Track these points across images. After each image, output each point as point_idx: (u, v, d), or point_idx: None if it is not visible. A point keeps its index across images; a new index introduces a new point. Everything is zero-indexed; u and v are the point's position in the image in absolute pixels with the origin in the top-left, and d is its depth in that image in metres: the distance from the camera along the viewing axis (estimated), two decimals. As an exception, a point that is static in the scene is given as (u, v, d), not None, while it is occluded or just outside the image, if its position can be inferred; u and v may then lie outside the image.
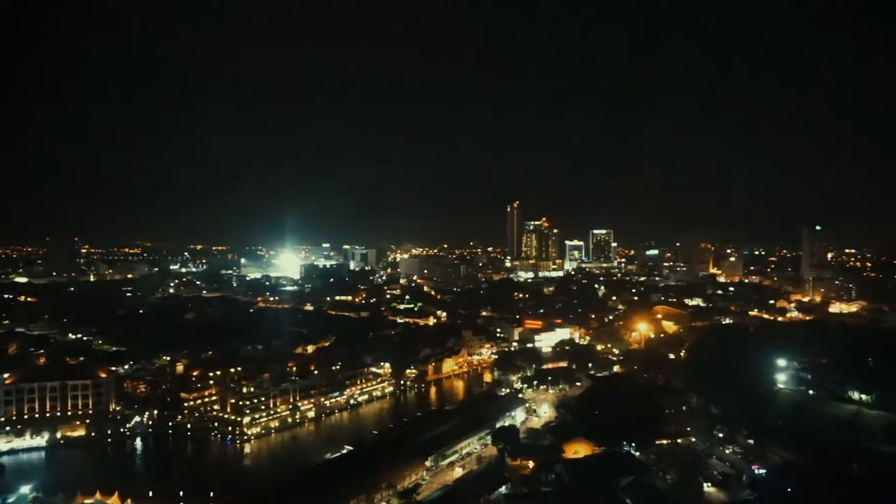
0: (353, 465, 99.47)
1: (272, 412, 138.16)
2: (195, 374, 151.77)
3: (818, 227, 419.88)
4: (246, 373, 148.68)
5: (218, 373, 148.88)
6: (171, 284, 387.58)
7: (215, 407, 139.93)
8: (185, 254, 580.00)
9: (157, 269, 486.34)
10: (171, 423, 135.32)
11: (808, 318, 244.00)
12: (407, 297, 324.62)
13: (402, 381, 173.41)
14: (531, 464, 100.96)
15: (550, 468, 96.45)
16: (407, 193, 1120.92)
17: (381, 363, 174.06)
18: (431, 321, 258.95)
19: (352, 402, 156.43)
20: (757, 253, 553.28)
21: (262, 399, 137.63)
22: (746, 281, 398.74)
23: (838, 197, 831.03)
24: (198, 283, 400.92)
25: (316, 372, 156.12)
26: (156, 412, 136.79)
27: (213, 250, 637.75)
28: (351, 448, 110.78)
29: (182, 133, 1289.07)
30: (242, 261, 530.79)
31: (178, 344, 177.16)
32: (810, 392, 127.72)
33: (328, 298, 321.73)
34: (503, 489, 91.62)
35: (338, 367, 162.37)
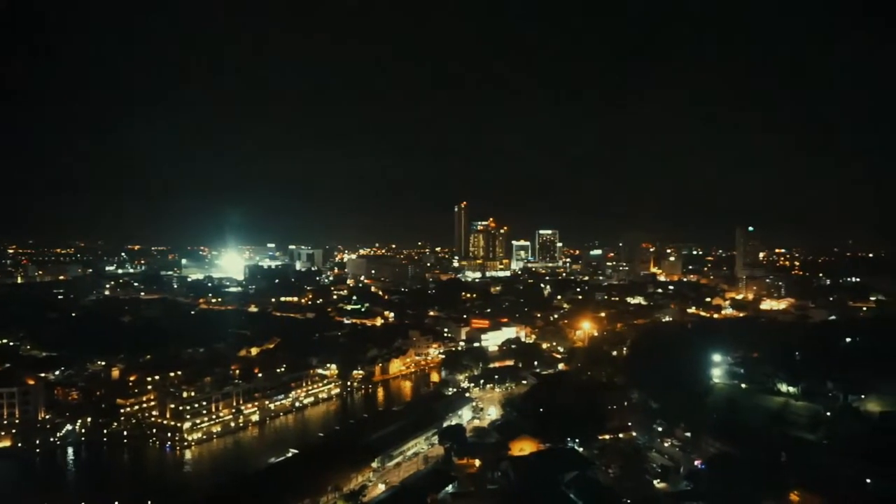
0: (298, 469, 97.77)
1: (214, 417, 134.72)
2: (132, 379, 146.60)
3: (751, 229, 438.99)
4: (186, 377, 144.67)
5: (156, 377, 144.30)
6: (107, 286, 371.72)
7: (154, 413, 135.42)
8: (122, 254, 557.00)
9: (91, 270, 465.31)
10: (105, 431, 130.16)
11: (741, 314, 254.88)
12: (354, 297, 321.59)
13: (348, 383, 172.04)
14: (477, 462, 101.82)
15: (496, 466, 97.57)
16: (355, 193, 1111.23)
17: (328, 365, 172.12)
18: (379, 322, 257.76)
19: (297, 404, 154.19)
20: (695, 253, 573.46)
21: (204, 403, 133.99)
22: (685, 280, 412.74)
23: (770, 199, 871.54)
24: (135, 284, 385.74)
25: (260, 375, 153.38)
26: (89, 420, 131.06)
27: (153, 251, 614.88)
28: (296, 451, 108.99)
29: (118, 130, 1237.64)
30: (184, 261, 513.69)
31: (114, 348, 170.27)
32: (743, 385, 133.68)
33: (273, 300, 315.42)
34: (450, 488, 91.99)
35: (283, 369, 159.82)
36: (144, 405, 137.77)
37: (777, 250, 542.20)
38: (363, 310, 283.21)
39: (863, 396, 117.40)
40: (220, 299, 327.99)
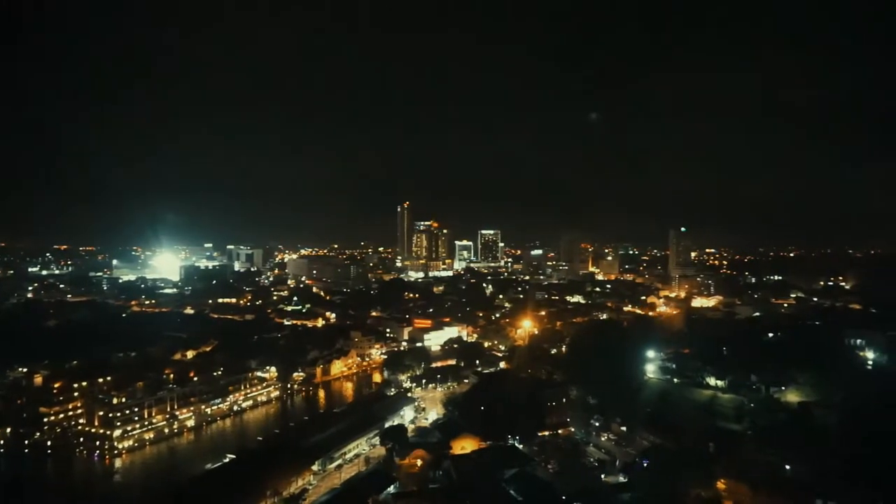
0: (236, 474, 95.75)
1: (147, 423, 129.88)
2: (57, 386, 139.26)
3: (683, 229, 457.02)
4: (116, 382, 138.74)
5: (84, 384, 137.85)
6: (30, 288, 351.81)
7: (81, 421, 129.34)
8: (48, 254, 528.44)
9: (12, 271, 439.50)
10: (27, 442, 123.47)
11: (674, 312, 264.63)
12: (295, 298, 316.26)
13: (288, 385, 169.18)
14: (419, 462, 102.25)
15: (438, 465, 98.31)
16: (297, 193, 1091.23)
17: (267, 367, 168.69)
18: (320, 323, 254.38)
19: (235, 408, 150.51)
20: (631, 252, 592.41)
21: (135, 410, 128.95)
22: (622, 279, 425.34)
23: (701, 200, 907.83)
24: (62, 286, 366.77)
25: (196, 378, 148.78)
26: (9, 430, 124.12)
27: (81, 251, 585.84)
28: (233, 456, 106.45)
29: (44, 126, 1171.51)
30: (114, 262, 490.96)
31: (37, 354, 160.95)
32: (675, 380, 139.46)
33: (210, 301, 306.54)
34: (391, 488, 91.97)
35: (220, 372, 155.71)
36: (70, 413, 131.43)
37: (707, 250, 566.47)
38: (304, 311, 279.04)
39: (783, 388, 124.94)
40: (153, 301, 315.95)
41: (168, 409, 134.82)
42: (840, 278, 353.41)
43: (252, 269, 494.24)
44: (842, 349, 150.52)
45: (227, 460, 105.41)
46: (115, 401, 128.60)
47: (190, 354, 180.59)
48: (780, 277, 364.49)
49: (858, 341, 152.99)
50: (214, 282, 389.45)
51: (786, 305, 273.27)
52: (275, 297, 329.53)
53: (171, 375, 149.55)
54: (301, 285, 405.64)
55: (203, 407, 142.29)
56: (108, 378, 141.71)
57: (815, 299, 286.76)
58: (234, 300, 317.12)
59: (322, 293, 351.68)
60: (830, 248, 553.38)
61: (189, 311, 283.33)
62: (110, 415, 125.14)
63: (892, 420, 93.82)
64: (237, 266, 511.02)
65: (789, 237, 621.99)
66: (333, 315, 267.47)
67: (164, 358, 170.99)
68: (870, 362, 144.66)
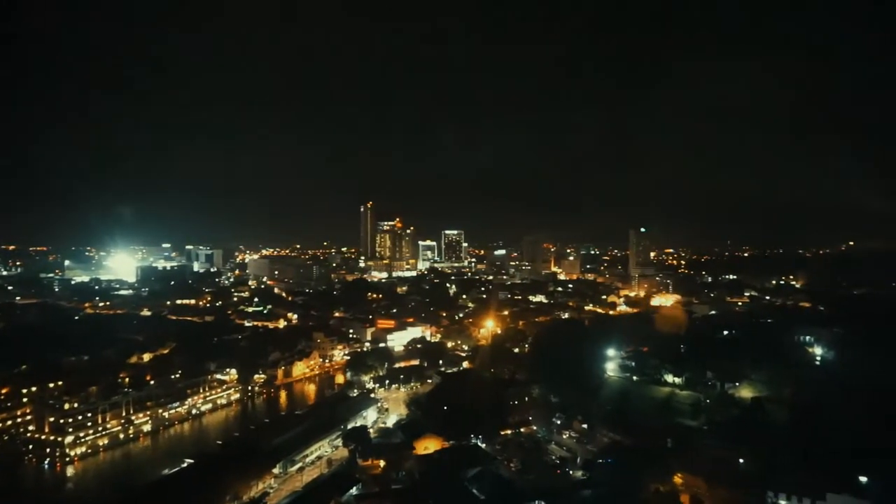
0: (194, 479, 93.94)
1: (100, 429, 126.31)
2: (4, 392, 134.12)
3: (643, 230, 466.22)
4: (68, 387, 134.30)
5: (33, 389, 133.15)
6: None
7: (31, 428, 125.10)
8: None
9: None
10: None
11: (633, 310, 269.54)
12: (256, 299, 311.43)
13: (249, 387, 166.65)
14: (382, 463, 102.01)
15: (401, 466, 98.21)
16: (259, 193, 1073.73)
17: (227, 369, 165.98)
18: (282, 324, 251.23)
19: (194, 411, 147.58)
20: (593, 252, 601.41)
21: (88, 415, 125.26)
22: (583, 278, 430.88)
23: (660, 201, 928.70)
24: (10, 288, 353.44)
25: (153, 382, 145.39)
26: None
27: (31, 251, 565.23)
28: (191, 461, 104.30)
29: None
30: (67, 262, 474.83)
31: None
32: (634, 378, 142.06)
33: (168, 302, 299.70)
34: (354, 490, 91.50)
35: (178, 375, 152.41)
36: (19, 420, 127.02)
37: (666, 250, 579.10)
38: (265, 312, 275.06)
39: (737, 384, 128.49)
40: (108, 303, 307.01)
41: (123, 414, 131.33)
42: (791, 277, 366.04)
43: (212, 270, 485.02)
44: (792, 346, 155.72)
45: (184, 465, 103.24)
46: (66, 406, 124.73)
47: (146, 357, 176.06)
48: (734, 277, 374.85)
49: (807, 338, 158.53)
50: (173, 283, 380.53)
51: (740, 304, 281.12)
52: (235, 298, 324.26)
53: (127, 379, 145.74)
54: (262, 286, 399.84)
55: (160, 411, 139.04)
56: (60, 383, 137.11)
57: (768, 298, 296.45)
58: (193, 301, 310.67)
59: (284, 294, 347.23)
60: (782, 249, 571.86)
61: (146, 312, 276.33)
62: (61, 421, 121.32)
63: (836, 413, 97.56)
64: (196, 267, 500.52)
65: (743, 238, 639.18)
66: (295, 316, 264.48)
67: (119, 361, 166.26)
68: (818, 358, 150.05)
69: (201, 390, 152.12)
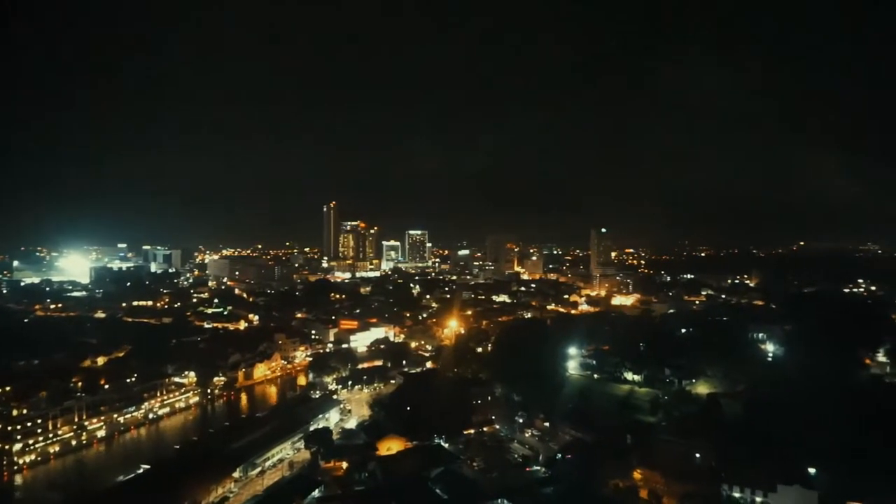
0: (151, 486, 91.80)
1: (51, 435, 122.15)
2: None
3: (604, 230, 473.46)
4: (17, 393, 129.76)
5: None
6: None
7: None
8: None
9: None
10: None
11: (595, 310, 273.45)
12: (216, 300, 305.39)
13: (209, 390, 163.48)
14: (345, 464, 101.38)
15: (364, 467, 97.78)
16: (219, 192, 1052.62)
17: (186, 372, 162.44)
18: (243, 325, 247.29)
19: (151, 416, 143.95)
20: (555, 252, 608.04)
21: (38, 421, 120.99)
22: (546, 278, 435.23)
23: (621, 202, 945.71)
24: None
25: (107, 386, 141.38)
26: None
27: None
28: (147, 467, 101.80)
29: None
30: (15, 263, 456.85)
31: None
32: (595, 376, 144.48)
33: (124, 304, 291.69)
34: (316, 492, 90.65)
35: (134, 379, 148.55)
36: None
37: (626, 250, 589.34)
38: (225, 313, 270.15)
39: (694, 381, 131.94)
40: (60, 305, 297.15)
41: (76, 420, 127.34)
42: (745, 277, 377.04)
43: (170, 271, 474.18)
44: (746, 343, 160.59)
45: (140, 471, 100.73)
46: (14, 412, 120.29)
47: (101, 361, 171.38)
48: (692, 276, 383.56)
49: (760, 335, 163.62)
50: (129, 284, 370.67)
51: (697, 302, 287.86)
52: (194, 300, 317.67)
53: (80, 383, 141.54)
54: (222, 287, 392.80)
55: (115, 416, 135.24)
56: (7, 388, 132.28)
57: (724, 296, 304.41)
58: (150, 303, 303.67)
59: (245, 295, 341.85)
60: (737, 249, 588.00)
61: (100, 314, 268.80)
62: (9, 428, 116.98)
63: (786, 408, 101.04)
64: (154, 267, 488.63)
65: (701, 238, 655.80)
66: (256, 317, 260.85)
67: (72, 365, 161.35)
68: (770, 354, 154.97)
69: (158, 394, 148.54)
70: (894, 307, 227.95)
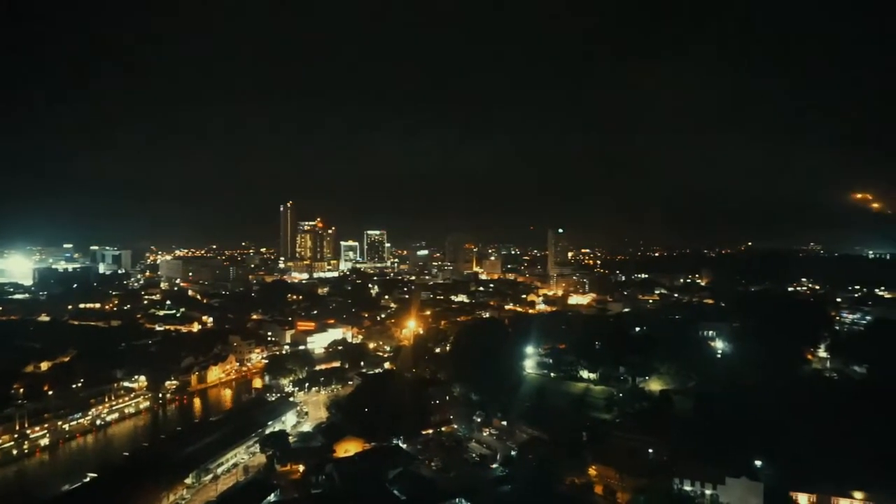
0: (98, 494, 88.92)
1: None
2: None
3: (560, 230, 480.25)
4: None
5: None
6: None
7: None
8: None
9: None
10: None
11: (552, 309, 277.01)
12: (168, 302, 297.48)
13: (160, 395, 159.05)
14: (301, 467, 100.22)
15: (321, 469, 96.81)
16: (172, 191, 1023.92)
17: (136, 376, 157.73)
18: (196, 327, 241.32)
19: (98, 422, 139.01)
20: (513, 252, 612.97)
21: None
22: (504, 278, 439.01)
23: (577, 202, 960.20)
24: None
25: (51, 392, 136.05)
26: None
27: None
28: (94, 475, 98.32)
29: None
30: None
31: None
32: (551, 374, 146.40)
33: (70, 307, 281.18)
34: (272, 497, 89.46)
35: (80, 384, 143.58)
36: None
37: (583, 250, 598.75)
38: (178, 315, 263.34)
39: (647, 378, 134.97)
40: (0, 308, 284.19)
41: (17, 428, 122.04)
42: (696, 276, 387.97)
43: (119, 272, 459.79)
44: (696, 340, 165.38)
45: (87, 480, 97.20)
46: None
47: (45, 366, 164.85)
48: (646, 276, 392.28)
49: (710, 332, 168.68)
50: (75, 286, 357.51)
51: (651, 301, 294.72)
52: (145, 302, 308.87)
53: (21, 390, 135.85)
54: (175, 288, 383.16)
55: (60, 423, 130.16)
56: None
57: (676, 295, 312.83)
58: (98, 305, 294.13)
59: (199, 296, 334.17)
60: (689, 249, 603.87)
61: (44, 318, 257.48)
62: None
63: (733, 403, 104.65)
64: (102, 268, 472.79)
65: (654, 238, 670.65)
66: (211, 319, 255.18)
67: (13, 371, 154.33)
68: (719, 351, 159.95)
69: (107, 399, 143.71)
70: (834, 304, 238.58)
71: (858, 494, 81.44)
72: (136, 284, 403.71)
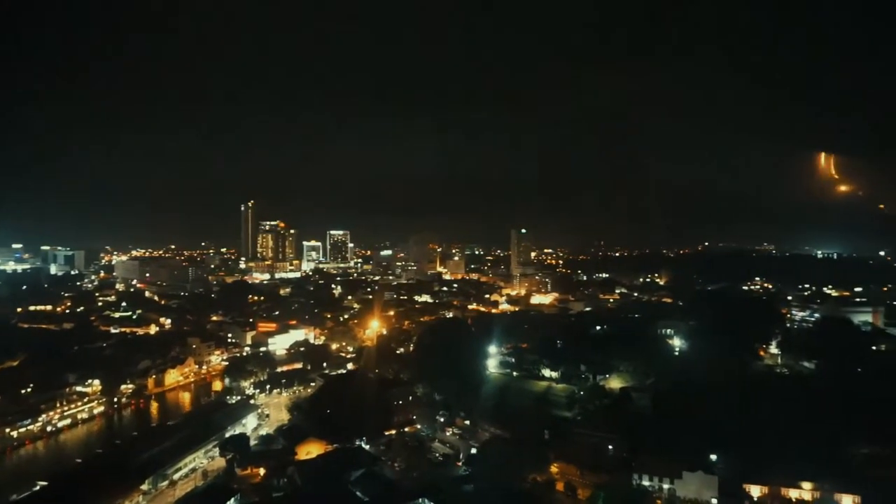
0: (49, 503, 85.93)
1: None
2: None
3: (523, 231, 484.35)
4: None
5: None
6: None
7: None
8: None
9: None
10: None
11: (514, 309, 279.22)
12: (124, 303, 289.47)
13: (115, 399, 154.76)
14: (262, 471, 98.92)
15: (282, 472, 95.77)
16: (130, 190, 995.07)
17: (90, 380, 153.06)
18: (154, 329, 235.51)
19: (49, 429, 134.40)
20: (477, 252, 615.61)
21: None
22: (468, 278, 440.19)
23: (540, 203, 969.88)
24: None
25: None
26: None
27: None
28: (45, 483, 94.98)
29: None
30: None
31: None
32: (514, 373, 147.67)
33: (19, 309, 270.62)
34: (232, 501, 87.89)
35: (29, 389, 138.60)
36: None
37: (546, 250, 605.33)
38: (134, 317, 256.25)
39: (607, 376, 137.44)
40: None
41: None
42: (656, 275, 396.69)
43: (72, 273, 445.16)
44: (655, 338, 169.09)
45: (37, 488, 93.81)
46: None
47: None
48: (607, 275, 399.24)
49: (668, 331, 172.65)
50: (24, 287, 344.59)
51: (612, 300, 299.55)
52: (100, 303, 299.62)
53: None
54: (131, 289, 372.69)
55: (7, 430, 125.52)
56: None
57: (636, 294, 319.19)
58: (49, 307, 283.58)
59: (156, 297, 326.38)
60: (648, 249, 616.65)
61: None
62: None
63: (689, 399, 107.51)
64: (54, 269, 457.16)
65: (615, 238, 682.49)
66: (169, 321, 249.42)
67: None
68: (676, 349, 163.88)
69: (58, 405, 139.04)
70: (786, 302, 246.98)
71: (807, 485, 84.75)
72: (90, 286, 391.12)
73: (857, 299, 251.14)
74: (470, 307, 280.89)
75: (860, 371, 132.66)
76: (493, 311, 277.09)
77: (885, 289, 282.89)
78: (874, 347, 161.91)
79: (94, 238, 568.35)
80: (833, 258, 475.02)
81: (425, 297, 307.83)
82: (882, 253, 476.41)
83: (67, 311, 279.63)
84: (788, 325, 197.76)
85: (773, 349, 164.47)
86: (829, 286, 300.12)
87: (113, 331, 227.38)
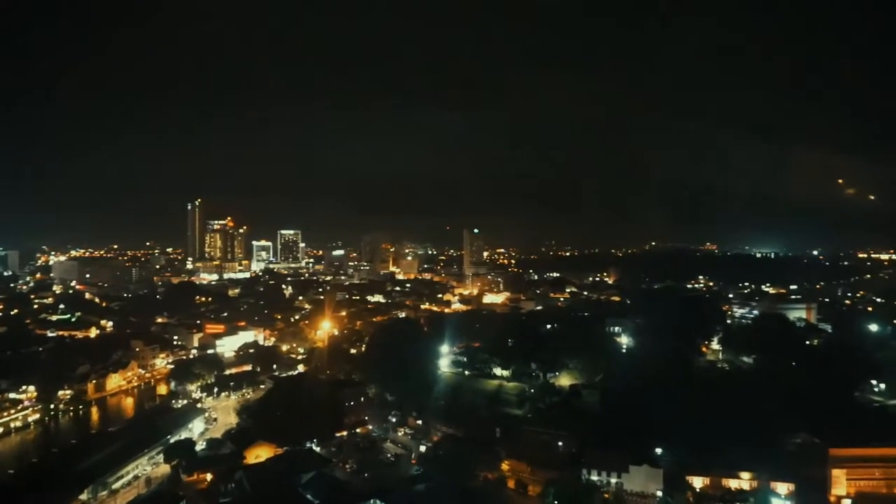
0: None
1: None
2: None
3: (476, 231, 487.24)
4: None
5: None
6: None
7: None
8: None
9: None
10: None
11: (467, 308, 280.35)
12: (62, 306, 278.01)
13: (52, 406, 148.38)
14: (209, 476, 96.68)
15: (230, 477, 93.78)
16: (69, 187, 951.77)
17: (24, 387, 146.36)
18: (94, 332, 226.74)
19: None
20: (430, 252, 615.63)
21: None
22: (421, 278, 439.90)
23: (490, 202, 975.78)
24: None
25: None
26: None
27: None
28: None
29: None
30: None
31: None
32: (466, 372, 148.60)
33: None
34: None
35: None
36: None
37: (498, 250, 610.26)
38: (73, 319, 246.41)
39: (557, 373, 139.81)
40: None
41: None
42: (605, 274, 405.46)
43: (6, 274, 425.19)
44: (603, 336, 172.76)
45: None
46: None
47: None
48: (557, 274, 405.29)
49: (616, 328, 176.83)
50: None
51: (562, 299, 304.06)
52: (36, 306, 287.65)
53: None
54: (70, 291, 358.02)
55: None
56: None
57: (586, 293, 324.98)
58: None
59: (97, 299, 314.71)
60: (597, 249, 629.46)
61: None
62: None
63: (635, 394, 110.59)
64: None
65: (565, 238, 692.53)
66: (111, 323, 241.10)
67: None
68: (624, 346, 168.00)
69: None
70: (726, 300, 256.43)
71: (745, 475, 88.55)
72: (24, 287, 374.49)
73: (793, 296, 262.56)
74: (423, 307, 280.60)
75: (795, 365, 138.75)
76: (446, 310, 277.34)
77: (818, 286, 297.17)
78: (807, 342, 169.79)
79: (30, 238, 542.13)
80: (770, 258, 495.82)
81: (378, 297, 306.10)
82: (815, 252, 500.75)
83: (0, 313, 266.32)
84: (729, 321, 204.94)
85: (715, 345, 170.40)
86: (767, 284, 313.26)
87: (50, 334, 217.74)
